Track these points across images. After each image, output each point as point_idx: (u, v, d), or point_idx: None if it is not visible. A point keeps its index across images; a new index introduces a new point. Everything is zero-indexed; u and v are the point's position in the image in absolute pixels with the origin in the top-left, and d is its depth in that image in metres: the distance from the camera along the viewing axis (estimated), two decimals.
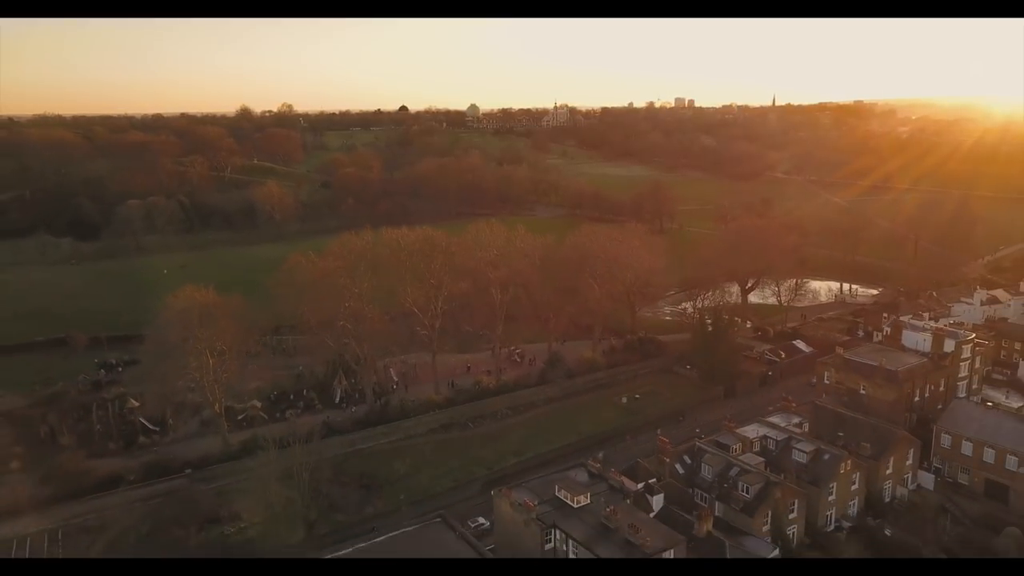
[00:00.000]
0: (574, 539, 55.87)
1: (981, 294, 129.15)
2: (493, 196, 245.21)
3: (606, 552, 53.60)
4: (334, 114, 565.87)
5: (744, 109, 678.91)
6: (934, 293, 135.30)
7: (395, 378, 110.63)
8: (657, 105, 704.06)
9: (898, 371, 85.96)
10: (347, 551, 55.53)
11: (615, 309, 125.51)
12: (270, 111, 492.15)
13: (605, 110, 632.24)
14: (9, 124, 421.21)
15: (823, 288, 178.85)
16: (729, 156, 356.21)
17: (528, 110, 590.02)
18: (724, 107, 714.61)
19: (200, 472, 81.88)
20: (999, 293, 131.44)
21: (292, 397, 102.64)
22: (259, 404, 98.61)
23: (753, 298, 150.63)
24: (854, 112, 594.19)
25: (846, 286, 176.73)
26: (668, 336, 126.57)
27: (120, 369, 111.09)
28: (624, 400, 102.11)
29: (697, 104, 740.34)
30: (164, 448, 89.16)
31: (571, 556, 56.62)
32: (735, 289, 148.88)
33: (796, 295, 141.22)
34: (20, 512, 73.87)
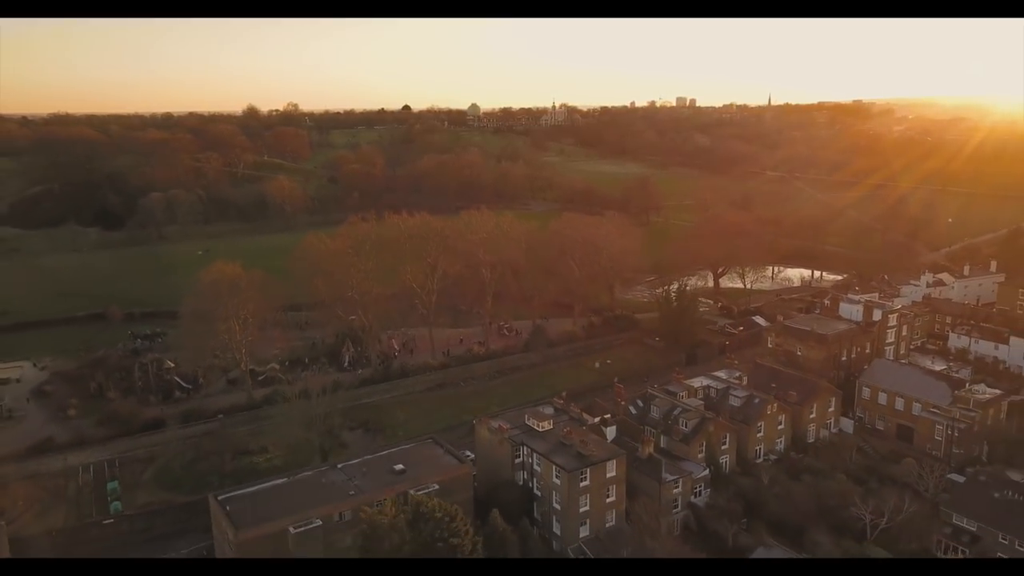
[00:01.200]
0: (537, 452, 70.01)
1: (928, 277, 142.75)
2: (490, 191, 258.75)
3: (561, 459, 67.67)
4: (339, 113, 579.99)
5: (743, 109, 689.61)
6: (886, 276, 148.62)
7: (396, 347, 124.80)
8: (658, 104, 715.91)
9: (827, 335, 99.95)
10: (356, 461, 69.82)
11: (595, 289, 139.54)
12: (276, 110, 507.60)
13: (604, 109, 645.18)
14: (25, 123, 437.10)
15: (796, 275, 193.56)
16: (720, 154, 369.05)
17: (529, 109, 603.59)
18: (724, 107, 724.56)
19: (230, 418, 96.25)
20: (944, 276, 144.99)
21: (306, 361, 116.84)
22: (278, 366, 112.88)
23: (728, 283, 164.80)
24: (851, 112, 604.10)
25: (817, 273, 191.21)
26: (643, 314, 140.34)
27: (160, 339, 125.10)
28: (597, 365, 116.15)
29: (699, 103, 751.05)
30: (197, 401, 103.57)
31: (535, 467, 70.74)
32: (709, 274, 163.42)
33: (759, 279, 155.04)
34: (83, 446, 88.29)
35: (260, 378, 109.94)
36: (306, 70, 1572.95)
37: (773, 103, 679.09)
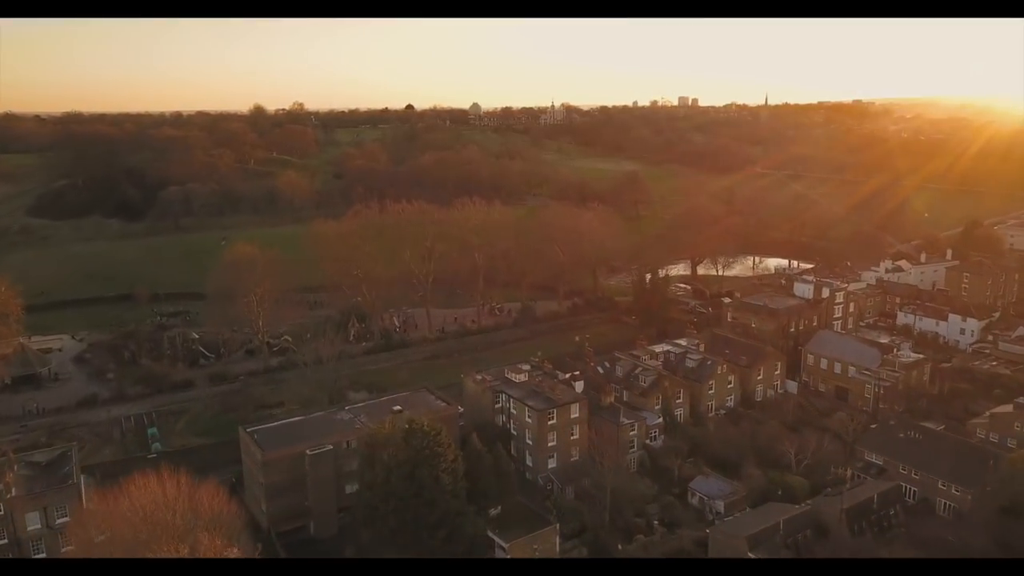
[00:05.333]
0: (513, 397, 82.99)
1: (887, 263, 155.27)
2: (488, 187, 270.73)
3: (533, 402, 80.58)
4: (343, 112, 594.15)
5: (742, 108, 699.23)
6: (848, 263, 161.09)
7: (397, 324, 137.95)
8: (660, 104, 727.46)
9: (778, 309, 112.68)
10: (360, 404, 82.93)
11: (578, 274, 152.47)
12: (283, 109, 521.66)
13: (603, 109, 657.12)
14: (40, 121, 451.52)
15: (774, 264, 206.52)
16: (714, 153, 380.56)
17: (529, 109, 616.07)
18: (725, 106, 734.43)
19: (250, 379, 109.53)
20: (903, 263, 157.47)
21: (316, 335, 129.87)
22: (290, 339, 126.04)
23: (705, 270, 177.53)
24: (850, 112, 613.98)
25: (793, 262, 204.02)
26: (623, 297, 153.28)
27: (188, 317, 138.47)
28: (577, 339, 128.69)
29: (701, 103, 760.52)
30: (220, 367, 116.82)
31: (512, 410, 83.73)
32: (689, 262, 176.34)
33: (731, 266, 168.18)
34: (123, 401, 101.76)
35: (275, 348, 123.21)
36: (311, 70, 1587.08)
37: (771, 103, 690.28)
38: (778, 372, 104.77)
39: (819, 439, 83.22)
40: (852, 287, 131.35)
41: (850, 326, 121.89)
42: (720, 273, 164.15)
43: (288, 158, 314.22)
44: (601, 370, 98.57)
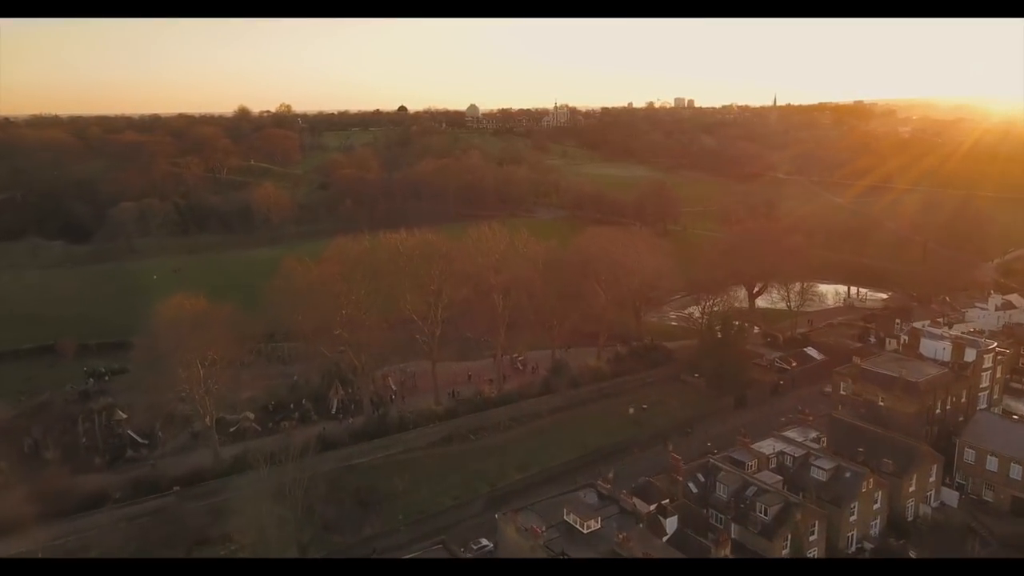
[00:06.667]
0: None
1: (996, 299, 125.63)
2: (493, 197, 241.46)
3: None
4: (332, 114, 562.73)
5: (744, 109, 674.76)
6: (947, 298, 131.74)
7: (393, 387, 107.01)
8: (657, 105, 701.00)
9: (919, 382, 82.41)
10: None
11: (620, 315, 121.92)
12: (268, 111, 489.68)
13: (605, 110, 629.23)
14: (5, 124, 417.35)
15: (830, 291, 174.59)
16: (730, 156, 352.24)
17: (528, 110, 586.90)
18: (724, 107, 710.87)
19: (189, 490, 78.29)
20: (1014, 298, 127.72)
21: (286, 408, 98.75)
22: (252, 416, 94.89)
23: (761, 303, 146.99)
24: (854, 112, 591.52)
25: (854, 289, 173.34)
26: (674, 343, 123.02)
27: (107, 378, 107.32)
28: (631, 411, 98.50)
29: (697, 104, 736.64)
30: (152, 463, 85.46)
31: None
32: (742, 294, 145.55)
33: (805, 299, 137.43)
34: (1, 532, 70.22)
35: (231, 430, 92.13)
36: (302, 71, 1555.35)
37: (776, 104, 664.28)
38: (932, 479, 74.73)
39: None
40: (978, 336, 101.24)
41: (995, 397, 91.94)
42: (795, 308, 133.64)
43: (268, 166, 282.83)
44: (694, 487, 68.12)
